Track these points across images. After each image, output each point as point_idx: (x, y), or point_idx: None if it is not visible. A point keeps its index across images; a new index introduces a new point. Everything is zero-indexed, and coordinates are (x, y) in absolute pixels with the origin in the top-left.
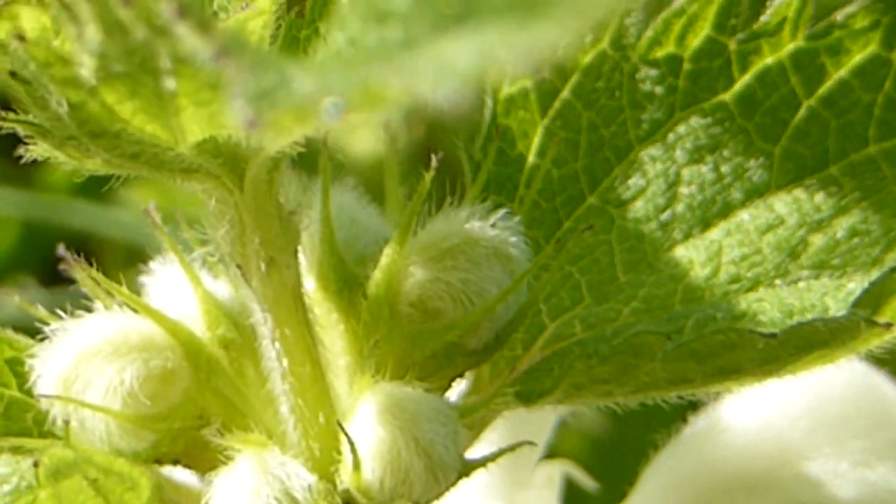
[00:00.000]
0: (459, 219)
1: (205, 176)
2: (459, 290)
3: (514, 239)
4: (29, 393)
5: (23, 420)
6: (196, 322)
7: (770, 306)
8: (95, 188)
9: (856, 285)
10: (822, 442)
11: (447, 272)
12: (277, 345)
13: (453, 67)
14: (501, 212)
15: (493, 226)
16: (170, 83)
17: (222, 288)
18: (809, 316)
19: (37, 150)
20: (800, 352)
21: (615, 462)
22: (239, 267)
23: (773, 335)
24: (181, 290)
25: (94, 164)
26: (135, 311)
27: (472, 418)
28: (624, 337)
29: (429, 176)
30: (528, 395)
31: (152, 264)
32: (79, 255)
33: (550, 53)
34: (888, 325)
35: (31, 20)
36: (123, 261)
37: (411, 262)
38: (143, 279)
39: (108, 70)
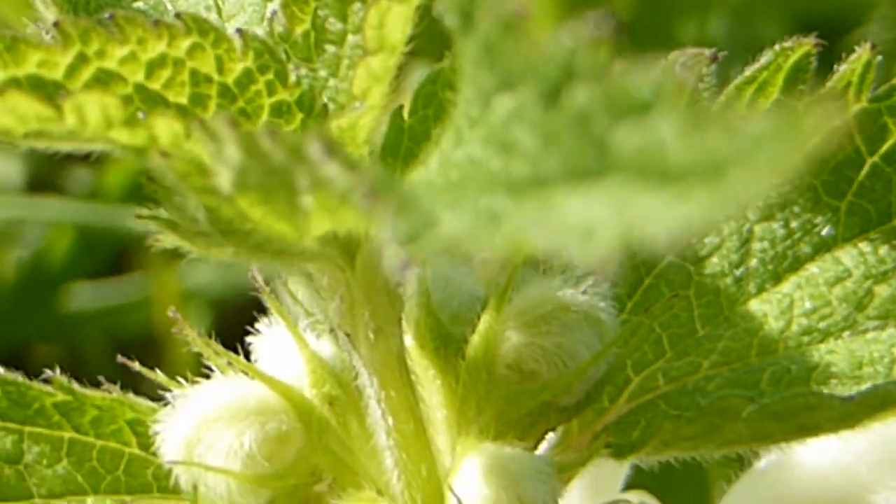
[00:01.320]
0: (553, 286)
1: (320, 259)
2: (553, 354)
3: (602, 304)
4: (147, 449)
5: (143, 476)
6: (303, 380)
7: (840, 358)
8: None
9: None
10: (888, 476)
11: (542, 337)
12: (383, 404)
13: (598, 230)
14: (591, 279)
15: (583, 292)
16: (306, 199)
17: (325, 347)
18: (879, 367)
19: (166, 240)
20: (874, 410)
21: (690, 494)
22: (348, 335)
23: (850, 398)
24: (288, 350)
25: (220, 254)
26: (249, 376)
27: (568, 473)
28: (710, 399)
29: None
30: (621, 450)
31: (259, 325)
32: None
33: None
34: None
35: (165, 128)
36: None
37: (507, 326)
38: (252, 339)
39: (246, 183)
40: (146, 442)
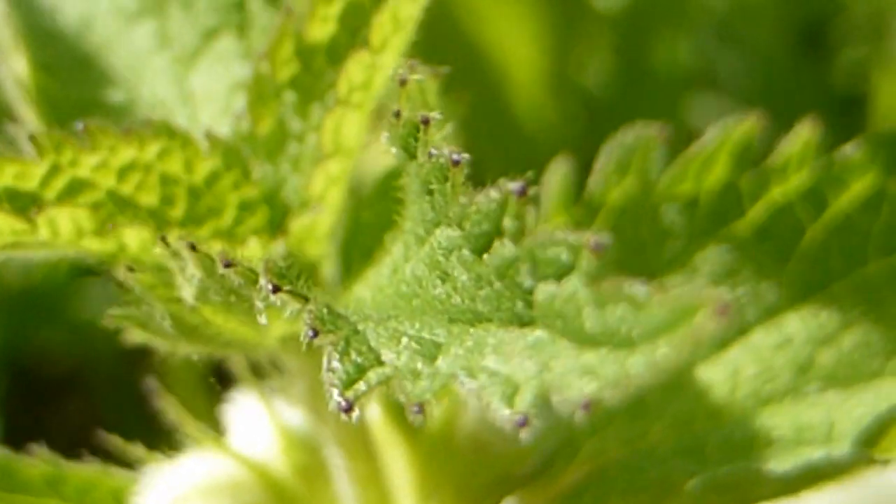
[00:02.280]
0: None
1: (284, 351)
2: (501, 436)
3: None
4: None
5: None
6: (273, 448)
7: (782, 422)
8: None
9: (857, 401)
10: None
11: (490, 423)
12: (349, 474)
13: (521, 389)
14: None
15: None
16: (262, 317)
17: (295, 415)
18: (818, 432)
19: (136, 336)
20: (808, 484)
21: None
22: (315, 413)
23: (785, 474)
24: (259, 419)
25: (186, 350)
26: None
27: None
28: (657, 468)
29: None
30: None
31: (233, 393)
32: None
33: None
34: (885, 461)
35: (133, 236)
36: None
37: (465, 401)
38: (224, 407)
39: (207, 298)
40: None
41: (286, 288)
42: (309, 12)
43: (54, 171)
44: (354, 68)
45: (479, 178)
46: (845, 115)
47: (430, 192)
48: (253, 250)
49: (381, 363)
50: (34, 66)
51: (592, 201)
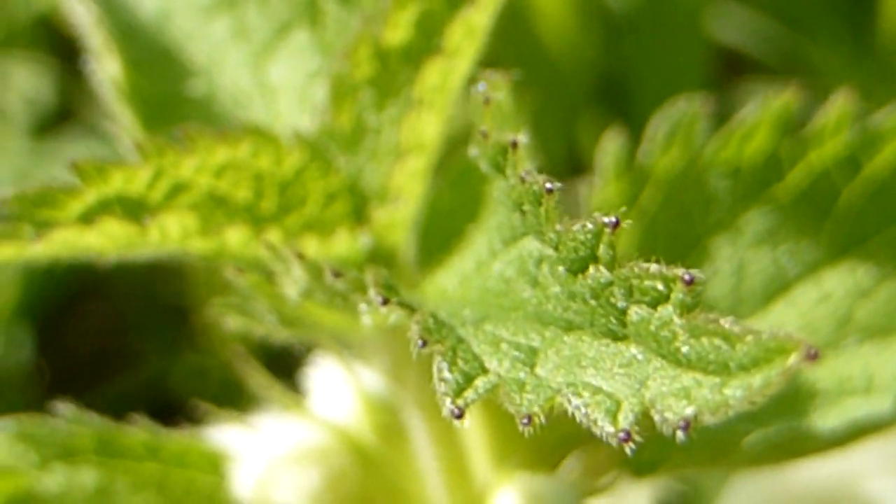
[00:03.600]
0: None
1: (374, 336)
2: None
3: None
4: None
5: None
6: (355, 412)
7: (825, 374)
8: None
9: (893, 352)
10: (882, 463)
11: None
12: (427, 436)
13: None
14: None
15: None
16: (365, 317)
17: (374, 378)
18: (858, 382)
19: (234, 322)
20: (852, 439)
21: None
22: (395, 378)
23: (831, 431)
24: (340, 383)
25: (282, 336)
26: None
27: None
28: (714, 429)
29: None
30: (641, 471)
31: (317, 357)
32: None
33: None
34: None
35: (234, 235)
36: None
37: None
38: (308, 371)
39: (310, 297)
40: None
41: (395, 300)
42: (385, 18)
43: (158, 174)
44: (430, 73)
45: None
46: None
47: (523, 212)
48: (341, 242)
49: (485, 371)
50: (125, 63)
51: (643, 170)
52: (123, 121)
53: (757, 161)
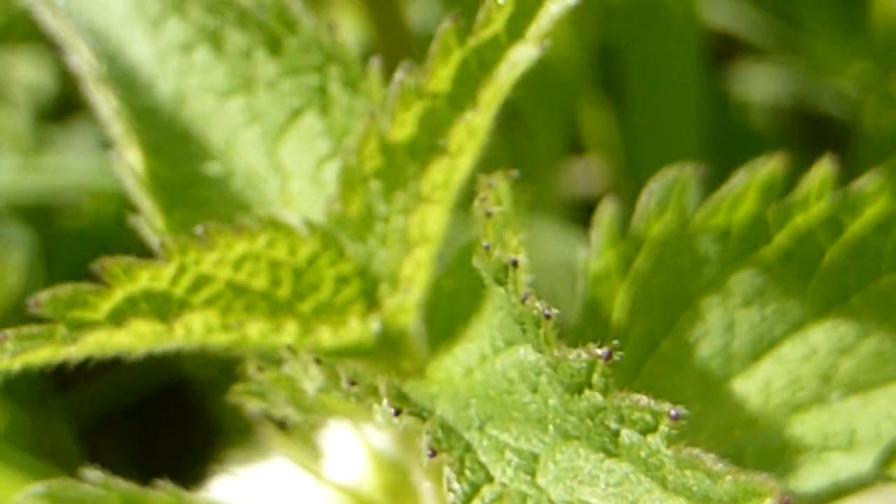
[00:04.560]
0: None
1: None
2: None
3: None
4: None
5: None
6: (365, 469)
7: (809, 429)
8: None
9: (875, 407)
10: None
11: None
12: (434, 495)
13: None
14: None
15: None
16: (378, 417)
17: (384, 439)
18: (841, 439)
19: (253, 405)
20: (834, 498)
21: None
22: (404, 446)
23: (812, 489)
24: (351, 443)
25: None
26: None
27: None
28: None
29: None
30: None
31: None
32: None
33: None
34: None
35: (255, 328)
36: None
37: None
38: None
39: (328, 392)
40: None
41: (406, 410)
42: (390, 116)
43: (181, 270)
44: (435, 171)
45: None
46: None
47: (523, 329)
48: (353, 329)
49: (491, 480)
50: (144, 149)
51: (637, 236)
52: (145, 208)
53: (745, 225)
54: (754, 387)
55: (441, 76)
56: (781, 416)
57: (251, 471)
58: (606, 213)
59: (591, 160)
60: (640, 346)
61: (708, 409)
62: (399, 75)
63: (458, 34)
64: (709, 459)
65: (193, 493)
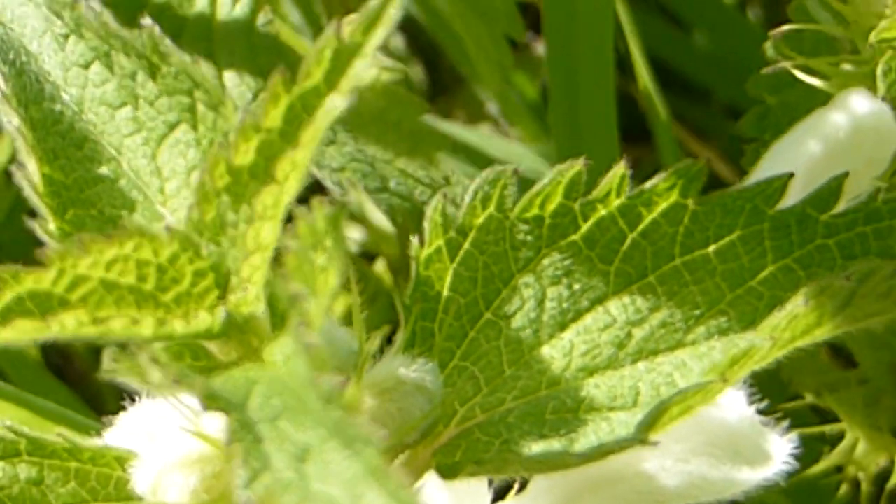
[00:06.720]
0: (393, 366)
1: None
2: (395, 414)
3: (429, 377)
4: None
5: (126, 491)
6: None
7: (602, 391)
8: None
9: (657, 371)
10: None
11: (387, 403)
12: None
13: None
14: (420, 360)
15: (415, 370)
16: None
17: None
18: (627, 399)
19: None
20: (601, 457)
21: None
22: None
23: (583, 454)
24: None
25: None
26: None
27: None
28: (510, 430)
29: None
30: (449, 470)
31: None
32: None
33: None
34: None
35: (118, 322)
36: None
37: (364, 394)
38: None
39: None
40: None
41: (213, 406)
42: (234, 144)
43: (60, 273)
44: (266, 196)
45: None
46: None
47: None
48: (203, 320)
49: (269, 468)
50: (43, 157)
51: (464, 226)
52: (40, 213)
53: (557, 215)
54: (559, 353)
55: (273, 116)
56: (580, 379)
57: (132, 419)
58: (435, 211)
59: None
60: (466, 318)
61: (519, 372)
62: (240, 115)
63: (285, 83)
64: None
65: (86, 440)
